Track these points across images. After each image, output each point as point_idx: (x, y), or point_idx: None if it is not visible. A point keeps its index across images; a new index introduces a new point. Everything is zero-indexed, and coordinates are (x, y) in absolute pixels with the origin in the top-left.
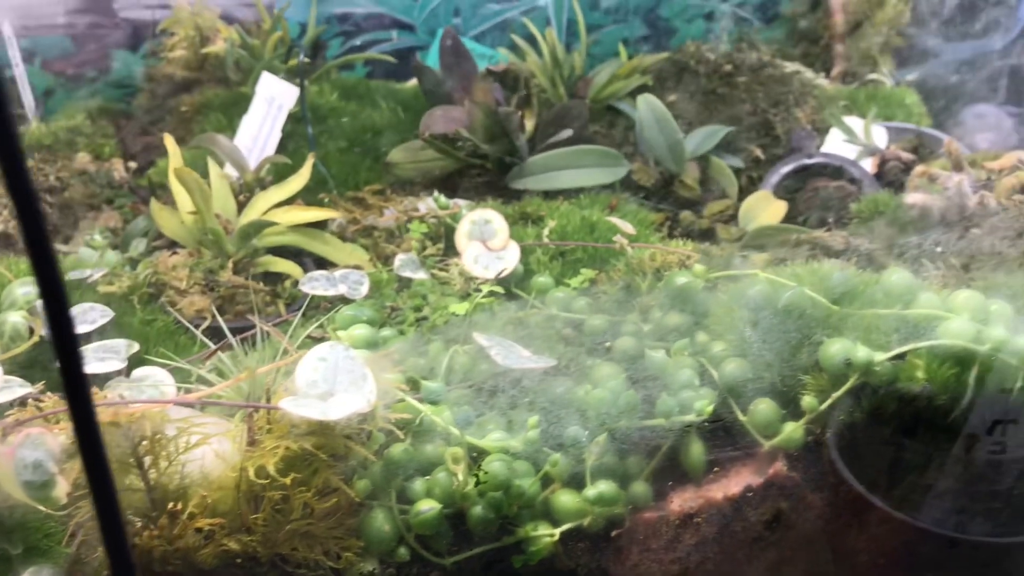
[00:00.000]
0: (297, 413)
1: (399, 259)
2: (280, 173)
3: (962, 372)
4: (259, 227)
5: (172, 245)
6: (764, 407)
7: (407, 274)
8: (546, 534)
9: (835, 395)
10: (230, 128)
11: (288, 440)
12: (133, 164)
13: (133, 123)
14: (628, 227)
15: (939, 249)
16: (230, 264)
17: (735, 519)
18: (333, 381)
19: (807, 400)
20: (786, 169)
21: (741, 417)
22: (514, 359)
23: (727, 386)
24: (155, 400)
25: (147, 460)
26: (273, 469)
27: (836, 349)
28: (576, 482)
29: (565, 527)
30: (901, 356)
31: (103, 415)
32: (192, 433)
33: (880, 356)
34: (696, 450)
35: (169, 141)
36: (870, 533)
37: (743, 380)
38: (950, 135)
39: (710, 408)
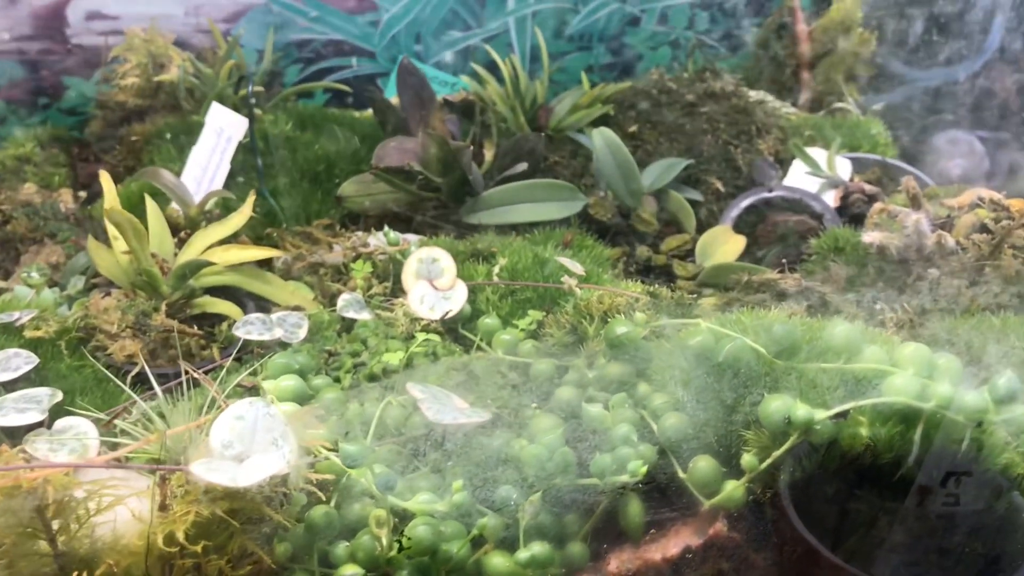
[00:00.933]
0: (206, 479)
1: (343, 299)
2: (229, 207)
3: (907, 430)
4: (196, 267)
5: (111, 283)
6: (704, 464)
7: (351, 315)
8: None
9: (775, 454)
10: (180, 159)
11: (200, 505)
12: (83, 194)
13: (84, 151)
14: (577, 267)
15: (878, 306)
16: (163, 306)
17: None
18: (250, 441)
19: (747, 459)
20: (746, 203)
21: (681, 474)
22: (447, 414)
23: (667, 442)
24: (55, 464)
25: (55, 524)
26: (183, 535)
27: (775, 406)
28: (511, 543)
29: None
30: (843, 414)
31: (1, 479)
32: (102, 495)
33: (821, 414)
34: (634, 509)
35: (105, 178)
36: None
37: (683, 436)
38: (921, 162)
39: (644, 469)
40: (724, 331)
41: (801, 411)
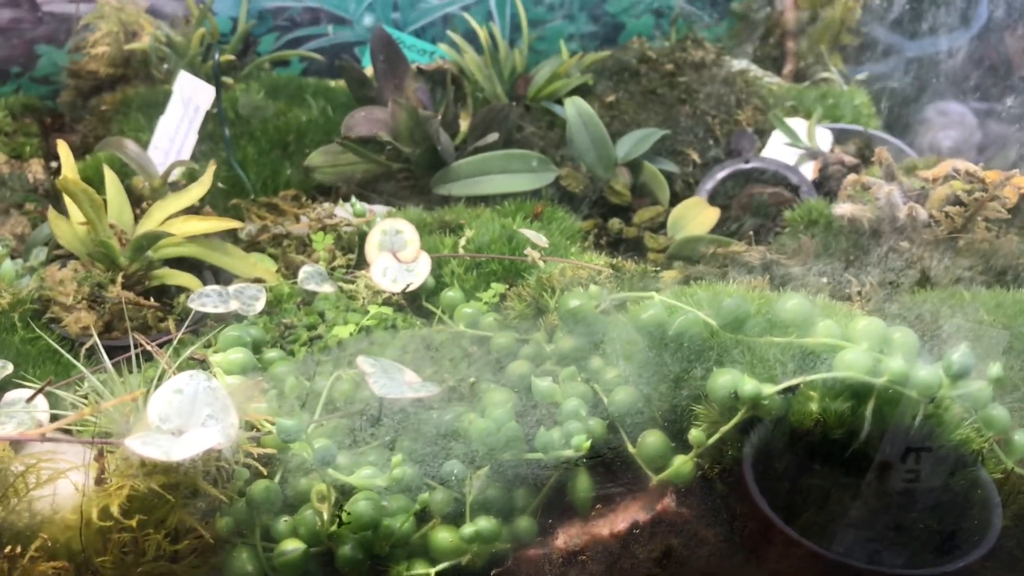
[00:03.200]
0: (139, 453)
1: (304, 271)
2: (196, 178)
3: (858, 405)
4: (154, 238)
5: (72, 255)
6: (653, 439)
7: (312, 287)
8: (421, 573)
9: (723, 429)
10: (149, 129)
11: (135, 479)
12: (54, 164)
13: (57, 121)
14: (541, 240)
15: (845, 279)
16: (120, 278)
17: (623, 557)
18: (189, 415)
19: (695, 433)
20: (722, 174)
21: (631, 449)
22: (394, 388)
23: (617, 416)
24: None
25: None
26: (117, 510)
27: (723, 381)
28: (459, 517)
29: (442, 566)
30: (792, 389)
31: None
32: (40, 469)
33: (769, 389)
34: (582, 484)
35: (62, 148)
36: (777, 566)
37: (633, 410)
38: (912, 133)
39: (587, 444)
40: (676, 304)
41: (748, 385)
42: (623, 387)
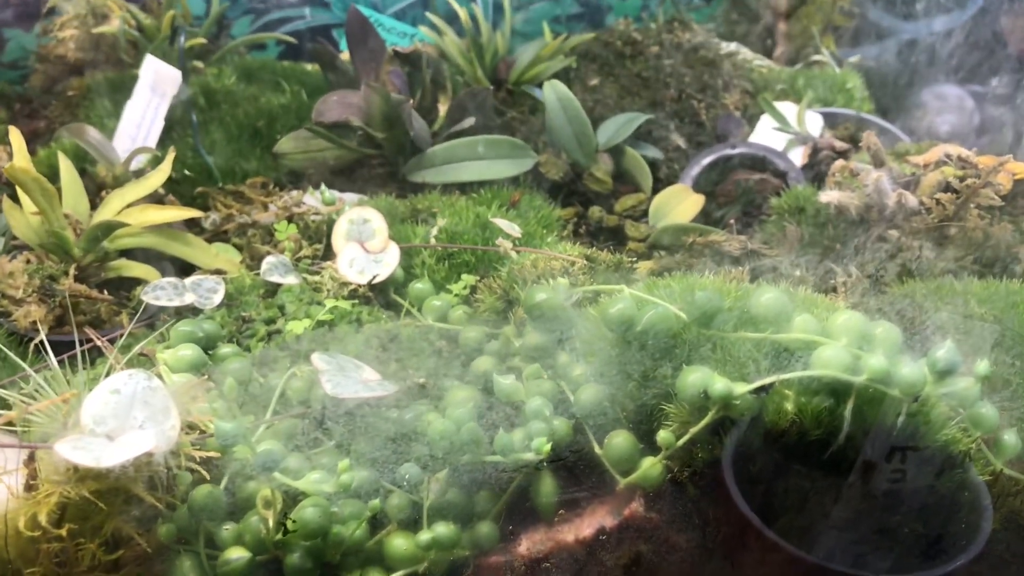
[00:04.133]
0: (68, 458)
1: (267, 262)
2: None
3: (837, 404)
4: (109, 228)
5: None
6: (621, 440)
7: (275, 279)
8: None
9: (693, 430)
10: (116, 115)
11: (66, 486)
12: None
13: (27, 107)
14: (514, 229)
15: (829, 269)
16: (72, 270)
17: (589, 563)
18: (126, 417)
19: (663, 434)
20: (707, 160)
21: (597, 450)
22: (348, 387)
23: (583, 415)
24: None
25: None
26: (46, 519)
27: (693, 379)
28: (416, 523)
29: (398, 574)
30: (766, 388)
31: None
32: None
33: (741, 388)
34: (546, 488)
35: (14, 134)
36: (754, 573)
37: (599, 409)
38: (908, 117)
39: (548, 447)
40: (646, 297)
41: (719, 384)
42: (589, 385)
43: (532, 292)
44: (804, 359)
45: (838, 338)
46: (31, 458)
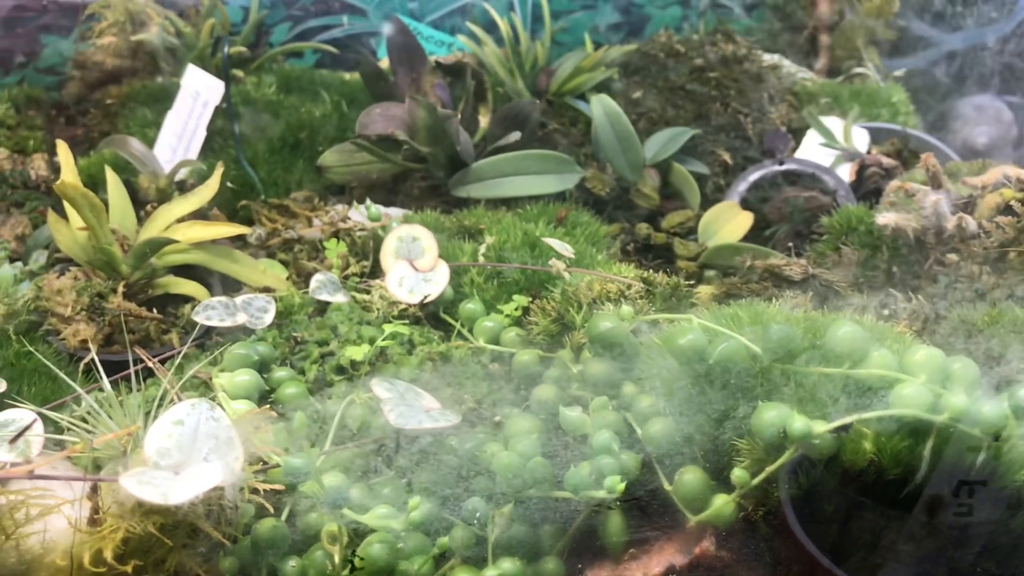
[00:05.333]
0: (135, 493)
1: (315, 280)
2: (204, 177)
3: (916, 443)
4: (157, 245)
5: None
6: (692, 476)
7: (324, 297)
8: None
9: (769, 469)
10: (156, 124)
11: (132, 520)
12: (59, 159)
13: (62, 113)
14: (567, 249)
15: (890, 295)
16: (120, 287)
17: None
18: (190, 449)
19: (738, 473)
20: (754, 176)
21: (666, 486)
22: (412, 418)
23: (652, 450)
24: None
25: None
26: (111, 554)
27: (770, 417)
28: (480, 558)
29: None
30: (845, 427)
31: None
32: (30, 505)
33: (820, 427)
34: (614, 525)
35: (62, 148)
36: None
37: (670, 444)
38: (946, 130)
39: (622, 486)
40: (717, 328)
41: (798, 423)
42: (659, 418)
43: (596, 320)
44: (882, 395)
45: (917, 375)
46: (94, 490)
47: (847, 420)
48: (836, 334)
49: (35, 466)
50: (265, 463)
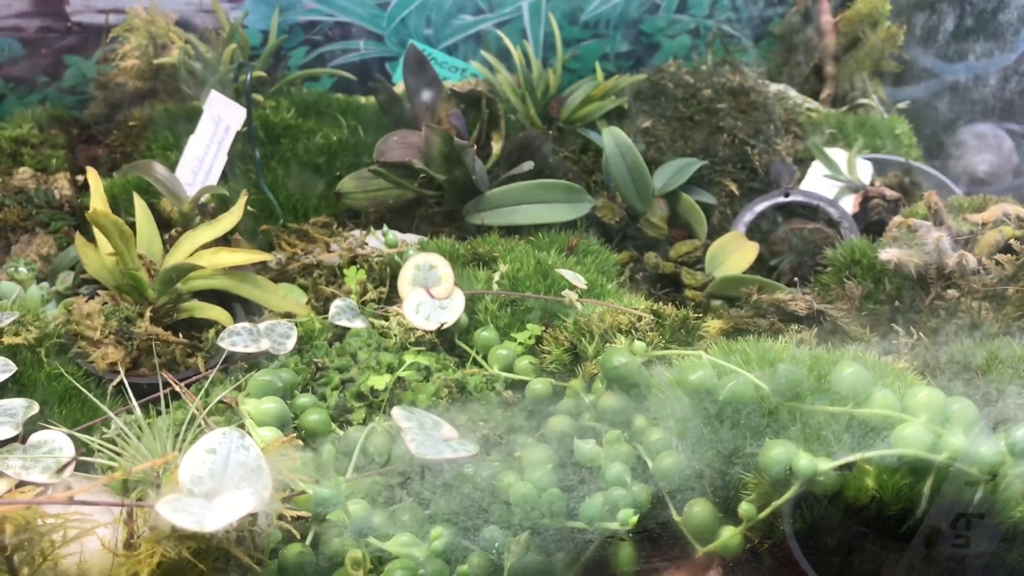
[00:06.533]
0: (171, 520)
1: (335, 306)
2: (225, 201)
3: (916, 481)
4: (183, 271)
5: (99, 282)
6: (700, 509)
7: (343, 323)
8: None
9: (774, 503)
10: (178, 147)
11: (167, 544)
12: (80, 178)
13: (84, 133)
14: (579, 281)
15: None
16: (148, 313)
17: None
18: (222, 476)
19: (745, 507)
20: (760, 207)
21: (676, 517)
22: (432, 447)
23: (662, 483)
24: (13, 502)
25: (16, 559)
26: None
27: (777, 454)
28: None
29: None
30: (849, 465)
31: None
32: (68, 527)
33: (825, 465)
34: (626, 554)
35: (92, 175)
36: None
37: (680, 477)
38: (947, 157)
39: (634, 519)
40: (726, 365)
41: (804, 461)
42: (670, 452)
43: (609, 355)
44: (883, 434)
45: (918, 415)
46: (130, 516)
47: (852, 459)
48: (841, 375)
49: (75, 492)
50: (291, 488)
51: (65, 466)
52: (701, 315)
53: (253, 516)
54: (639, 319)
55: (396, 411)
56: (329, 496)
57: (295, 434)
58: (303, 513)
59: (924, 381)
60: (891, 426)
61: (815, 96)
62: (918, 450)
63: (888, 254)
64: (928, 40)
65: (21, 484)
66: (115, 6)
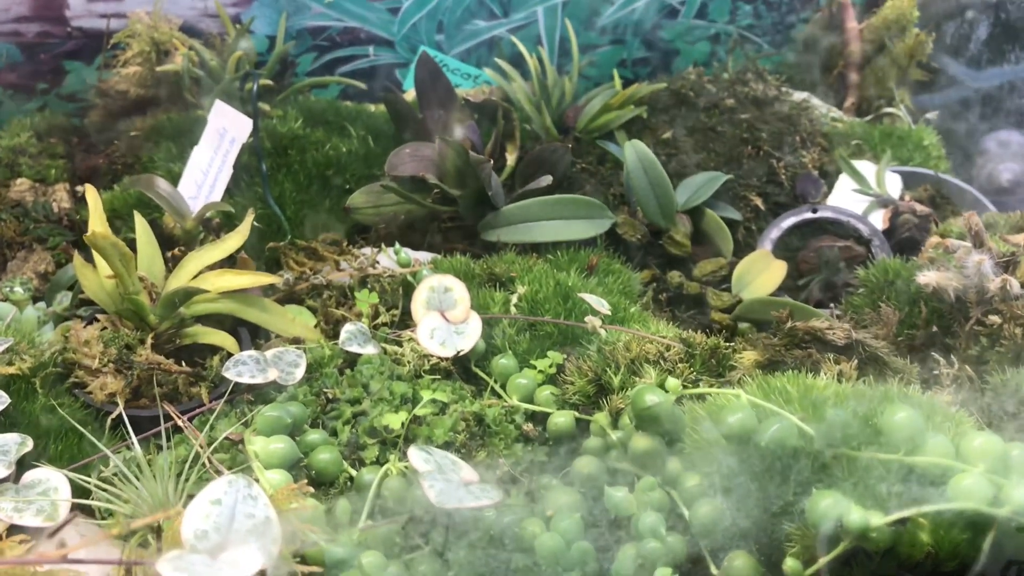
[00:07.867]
0: None
1: (345, 331)
2: (231, 217)
3: (975, 537)
4: (186, 295)
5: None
6: (741, 563)
7: (354, 349)
8: None
9: (822, 560)
10: (181, 158)
11: None
12: (80, 189)
13: (84, 142)
14: (603, 306)
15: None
16: (149, 339)
17: None
18: (228, 530)
19: (790, 563)
20: (787, 223)
21: (714, 571)
22: (452, 495)
23: (700, 533)
24: (2, 561)
25: None
26: None
27: (826, 506)
28: None
29: None
30: (903, 519)
31: None
32: None
33: (878, 519)
34: None
35: (90, 193)
36: None
37: (718, 527)
38: (969, 165)
39: None
40: (767, 406)
41: (855, 515)
42: (707, 500)
43: (641, 393)
44: (937, 483)
45: (974, 463)
46: (128, 572)
47: (907, 513)
48: (892, 420)
49: (68, 551)
50: (303, 542)
51: (56, 531)
52: (730, 339)
53: (261, 574)
54: (667, 348)
55: (413, 452)
56: (343, 557)
57: (305, 479)
58: (315, 569)
59: (972, 418)
60: (947, 476)
61: (838, 105)
62: (978, 504)
63: (927, 277)
64: (959, 48)
65: (13, 530)
66: (117, 11)
